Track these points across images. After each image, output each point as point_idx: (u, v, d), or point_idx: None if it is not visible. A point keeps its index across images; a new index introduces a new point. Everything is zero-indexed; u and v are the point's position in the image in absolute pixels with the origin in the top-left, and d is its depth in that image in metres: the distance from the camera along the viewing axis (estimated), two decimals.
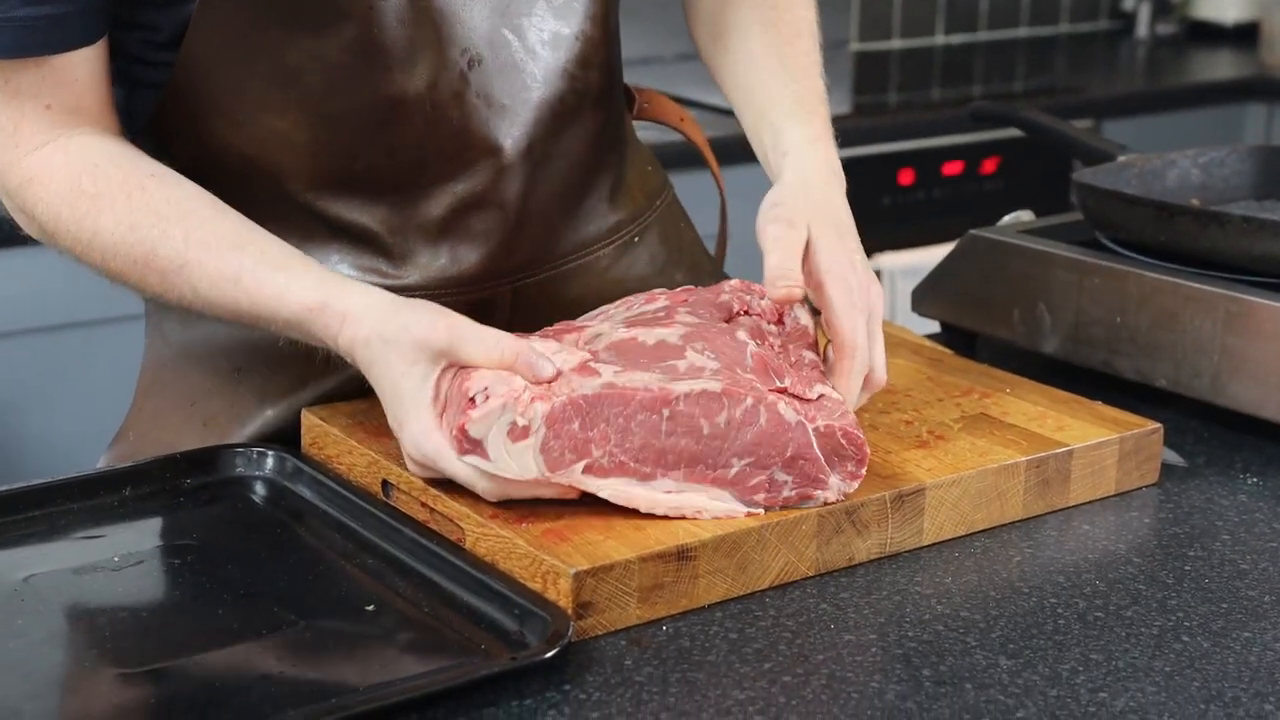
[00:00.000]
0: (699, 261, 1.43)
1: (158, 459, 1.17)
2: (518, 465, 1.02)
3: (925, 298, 1.50)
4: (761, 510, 1.05)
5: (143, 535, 1.09)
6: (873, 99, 3.26)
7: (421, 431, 1.05)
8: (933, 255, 1.60)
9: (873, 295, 1.15)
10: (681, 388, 1.04)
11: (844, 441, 1.05)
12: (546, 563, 0.97)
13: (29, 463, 2.14)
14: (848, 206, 1.22)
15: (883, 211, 2.83)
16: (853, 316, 1.13)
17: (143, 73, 1.19)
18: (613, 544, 0.99)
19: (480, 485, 1.04)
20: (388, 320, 1.07)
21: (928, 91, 3.33)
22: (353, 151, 1.19)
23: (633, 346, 1.10)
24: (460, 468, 1.04)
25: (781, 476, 1.05)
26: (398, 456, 1.11)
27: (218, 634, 0.95)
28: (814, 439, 1.05)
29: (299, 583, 1.02)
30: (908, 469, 1.11)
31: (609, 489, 1.03)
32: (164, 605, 0.99)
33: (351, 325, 1.08)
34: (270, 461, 1.16)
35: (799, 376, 1.10)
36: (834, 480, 1.05)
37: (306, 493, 1.13)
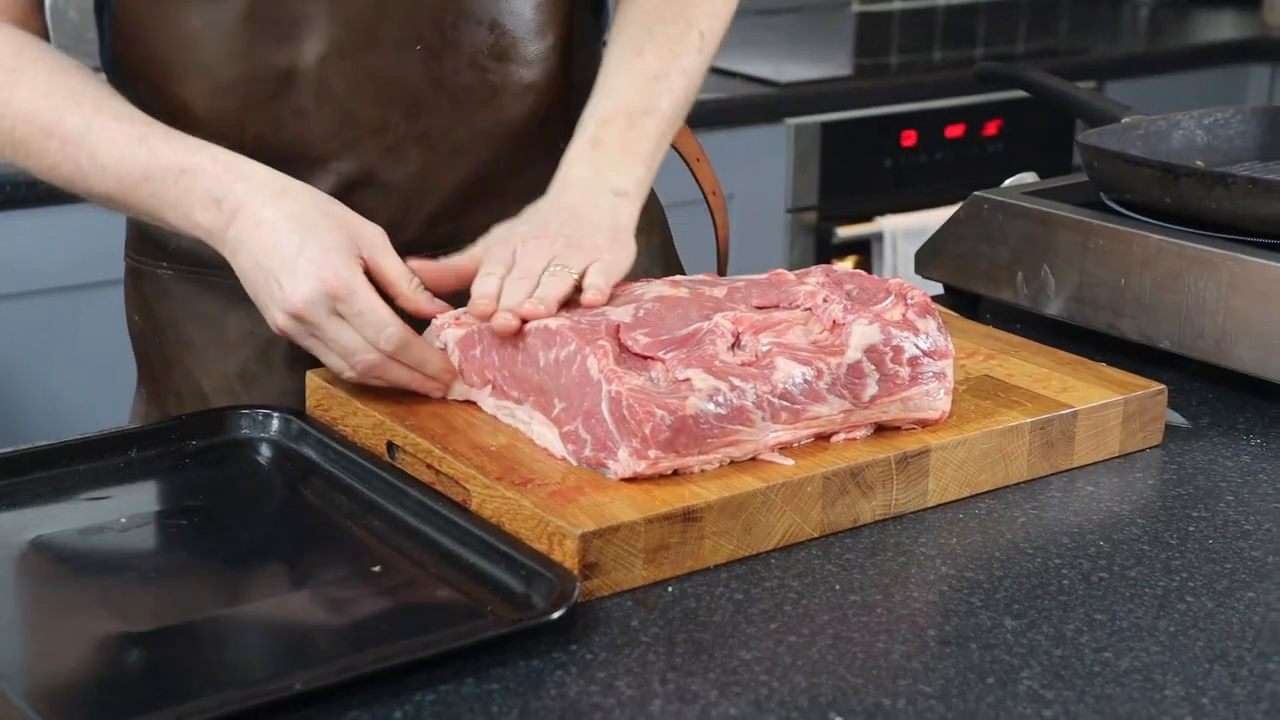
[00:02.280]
0: (652, 273, 1.42)
1: (163, 421, 1.17)
2: None
3: (928, 260, 1.50)
4: (573, 461, 1.05)
5: (149, 497, 1.09)
6: (874, 61, 3.25)
7: (359, 292, 1.08)
8: (935, 218, 1.60)
9: (529, 253, 1.13)
10: (534, 324, 1.09)
11: (627, 413, 1.02)
12: (552, 524, 0.97)
13: (29, 425, 2.14)
14: (580, 206, 1.18)
15: (884, 174, 2.83)
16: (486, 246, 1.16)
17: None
18: (619, 505, 0.99)
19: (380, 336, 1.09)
20: (317, 194, 1.12)
21: (929, 53, 3.32)
22: (242, 121, 1.22)
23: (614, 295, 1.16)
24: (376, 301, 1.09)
25: (583, 433, 1.04)
26: (404, 418, 1.11)
27: (224, 595, 0.95)
28: (605, 400, 1.03)
29: (305, 544, 1.02)
30: (913, 431, 1.11)
31: (503, 410, 1.12)
32: (170, 566, 0.99)
33: (258, 184, 1.12)
34: (275, 423, 1.16)
35: (698, 360, 1.07)
36: (623, 453, 1.02)
37: (312, 454, 1.13)
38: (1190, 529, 1.08)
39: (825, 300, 1.14)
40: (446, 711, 0.85)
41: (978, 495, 1.12)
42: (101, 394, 2.16)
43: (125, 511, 1.06)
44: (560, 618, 0.90)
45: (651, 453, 1.02)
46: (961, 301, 1.48)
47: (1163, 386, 1.21)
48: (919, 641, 0.93)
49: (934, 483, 1.10)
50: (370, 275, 1.11)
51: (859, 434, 1.10)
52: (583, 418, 1.04)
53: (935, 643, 0.93)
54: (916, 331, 1.11)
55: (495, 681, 0.88)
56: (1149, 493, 1.15)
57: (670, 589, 0.98)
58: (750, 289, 1.17)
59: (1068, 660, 0.91)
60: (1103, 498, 1.13)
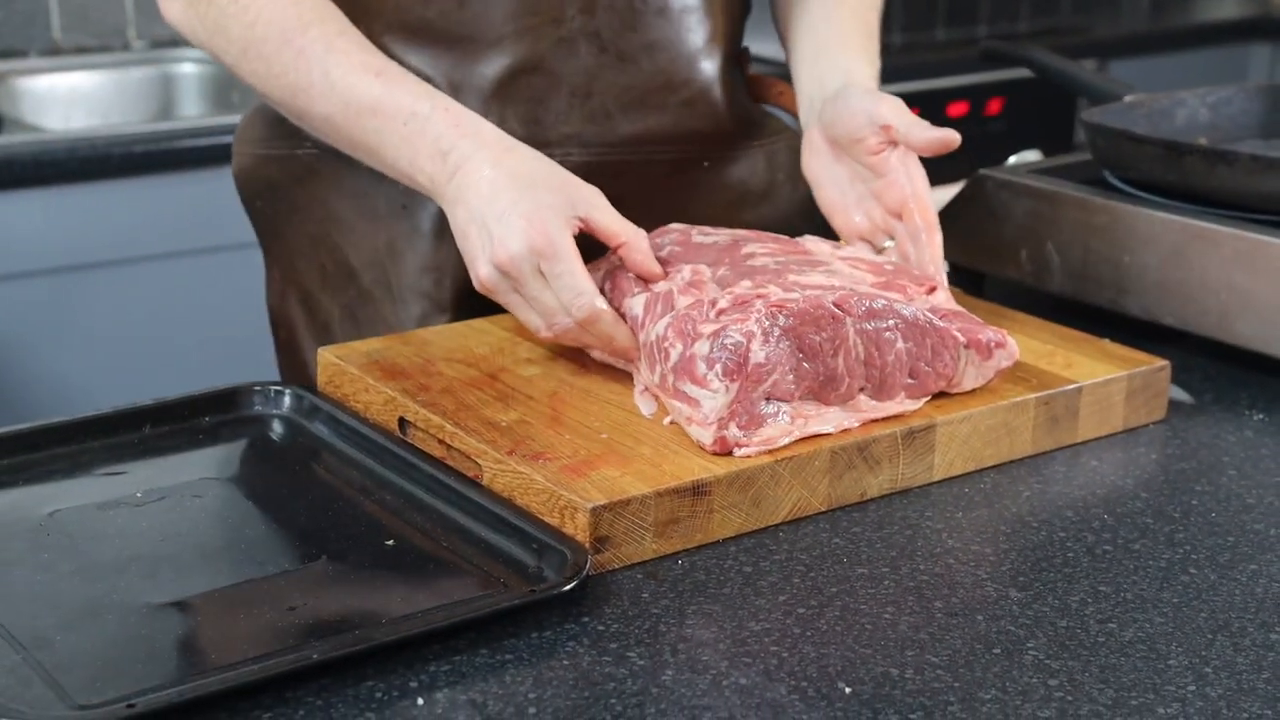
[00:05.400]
0: (769, 220, 1.42)
1: (176, 398, 1.18)
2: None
3: None
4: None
5: (164, 472, 1.10)
6: None
7: (563, 255, 1.10)
8: (938, 197, 1.61)
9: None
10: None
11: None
12: (564, 498, 0.98)
13: (33, 405, 2.16)
14: None
15: None
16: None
17: None
18: (629, 479, 1.00)
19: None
20: (540, 157, 1.15)
21: (932, 32, 3.32)
22: None
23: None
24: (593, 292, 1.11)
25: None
26: (415, 394, 1.12)
27: (241, 567, 0.97)
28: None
29: (319, 518, 1.03)
30: (919, 405, 1.12)
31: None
32: (187, 540, 1.00)
33: (485, 141, 1.14)
34: (288, 400, 1.17)
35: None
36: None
37: (324, 430, 1.14)
38: (1193, 503, 1.10)
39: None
40: (461, 681, 0.86)
41: (983, 470, 1.13)
42: (104, 374, 2.17)
43: (141, 486, 1.07)
44: (572, 589, 0.92)
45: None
46: (966, 279, 1.49)
47: (1166, 362, 1.22)
48: (926, 613, 0.94)
49: (940, 457, 1.11)
50: (590, 236, 1.14)
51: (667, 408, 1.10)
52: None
53: (942, 614, 0.94)
54: (693, 339, 1.06)
55: (509, 652, 0.89)
56: (1152, 467, 1.16)
57: (680, 562, 1.00)
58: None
59: (1073, 631, 0.93)
60: (1106, 472, 1.14)
